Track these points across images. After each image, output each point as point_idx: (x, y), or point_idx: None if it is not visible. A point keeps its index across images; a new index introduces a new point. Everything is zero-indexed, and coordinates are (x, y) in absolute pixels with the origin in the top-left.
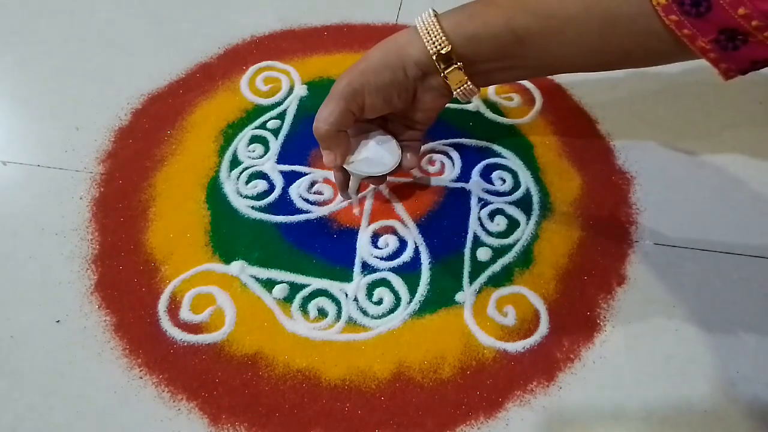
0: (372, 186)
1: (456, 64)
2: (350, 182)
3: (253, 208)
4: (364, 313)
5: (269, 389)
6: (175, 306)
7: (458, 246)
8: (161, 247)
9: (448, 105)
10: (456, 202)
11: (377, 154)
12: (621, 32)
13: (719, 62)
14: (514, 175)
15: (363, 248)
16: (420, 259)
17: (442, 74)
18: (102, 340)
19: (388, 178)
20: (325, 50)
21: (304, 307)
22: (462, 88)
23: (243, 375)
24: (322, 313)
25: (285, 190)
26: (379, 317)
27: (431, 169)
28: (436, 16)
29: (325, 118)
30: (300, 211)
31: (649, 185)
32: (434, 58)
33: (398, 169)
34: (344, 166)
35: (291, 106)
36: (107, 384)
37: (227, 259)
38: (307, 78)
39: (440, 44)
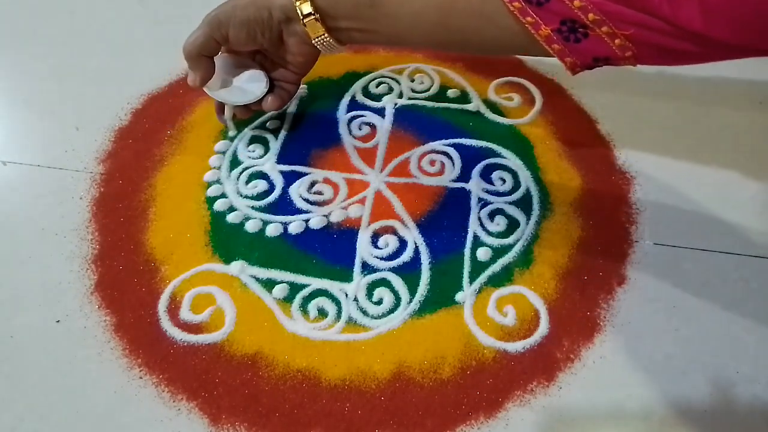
0: (372, 188)
1: (314, 15)
2: (225, 109)
3: (253, 208)
4: (364, 313)
5: (269, 389)
6: (175, 306)
7: (458, 246)
8: (161, 247)
9: (447, 105)
10: (456, 202)
11: (242, 86)
12: (460, 12)
13: (564, 55)
14: (514, 175)
15: (363, 248)
16: (420, 259)
17: (302, 21)
18: (102, 340)
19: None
20: None
21: (304, 307)
22: (320, 39)
23: (243, 375)
24: (322, 313)
25: (285, 190)
26: (379, 317)
27: (431, 169)
28: None
29: (191, 41)
30: (300, 211)
31: (649, 185)
32: (296, 4)
33: (258, 105)
34: (204, 90)
35: (291, 106)
36: (107, 384)
37: (227, 259)
38: (307, 78)
39: None
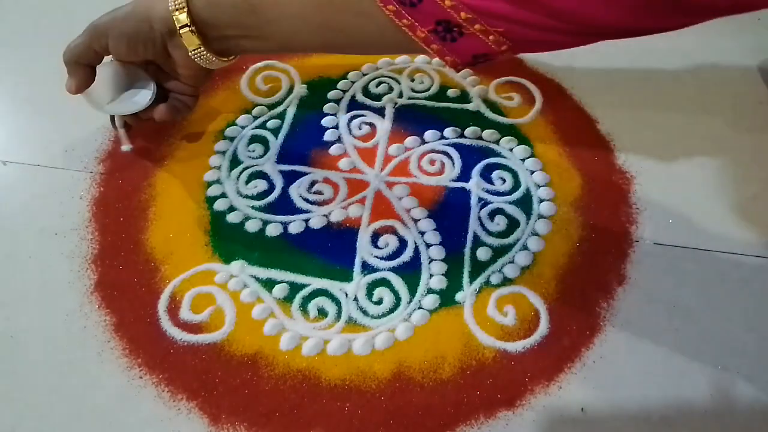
0: (372, 187)
1: (189, 26)
2: (116, 119)
3: (253, 207)
4: (364, 312)
5: (269, 389)
6: (175, 306)
7: (458, 246)
8: (161, 247)
9: (447, 105)
10: (456, 202)
11: (125, 96)
12: (339, 12)
13: (444, 54)
14: (514, 175)
15: (363, 248)
16: (420, 258)
17: (178, 34)
18: (102, 340)
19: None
20: None
21: (304, 307)
22: (196, 51)
23: (243, 375)
24: (322, 312)
25: (285, 189)
26: (379, 317)
27: (431, 168)
28: None
29: (70, 48)
30: (300, 211)
31: (649, 185)
32: (173, 16)
33: (147, 114)
34: (82, 96)
35: (291, 106)
36: (107, 384)
37: (227, 259)
38: (307, 77)
39: (179, 4)
